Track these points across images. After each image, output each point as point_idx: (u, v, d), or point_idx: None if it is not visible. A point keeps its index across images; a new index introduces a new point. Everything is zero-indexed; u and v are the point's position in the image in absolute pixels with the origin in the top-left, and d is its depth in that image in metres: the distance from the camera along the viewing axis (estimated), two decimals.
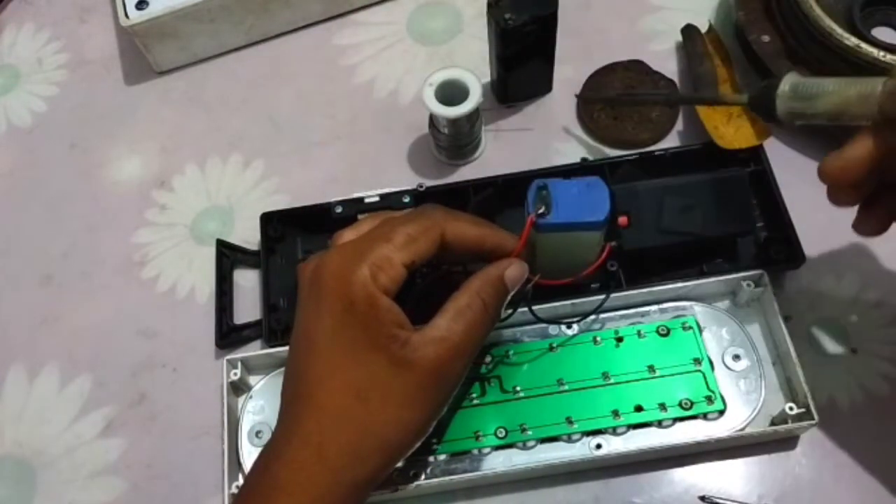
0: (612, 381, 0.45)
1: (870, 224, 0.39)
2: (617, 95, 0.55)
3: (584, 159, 0.52)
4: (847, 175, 0.36)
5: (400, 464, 0.43)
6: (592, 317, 0.47)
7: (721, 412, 0.44)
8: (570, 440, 0.44)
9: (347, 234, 0.40)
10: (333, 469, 0.35)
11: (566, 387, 0.45)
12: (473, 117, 0.53)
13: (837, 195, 0.38)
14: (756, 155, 0.51)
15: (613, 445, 0.44)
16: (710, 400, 0.44)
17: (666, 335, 0.46)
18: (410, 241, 0.37)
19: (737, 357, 0.46)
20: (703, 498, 0.43)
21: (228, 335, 0.50)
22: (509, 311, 0.44)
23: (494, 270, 0.39)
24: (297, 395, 0.37)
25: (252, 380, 0.48)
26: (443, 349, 0.36)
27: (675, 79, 0.57)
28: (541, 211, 0.40)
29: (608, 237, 0.45)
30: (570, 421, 0.44)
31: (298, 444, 0.36)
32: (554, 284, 0.44)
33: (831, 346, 0.48)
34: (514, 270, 0.40)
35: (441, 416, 0.39)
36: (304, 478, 0.35)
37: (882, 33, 0.54)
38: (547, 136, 0.57)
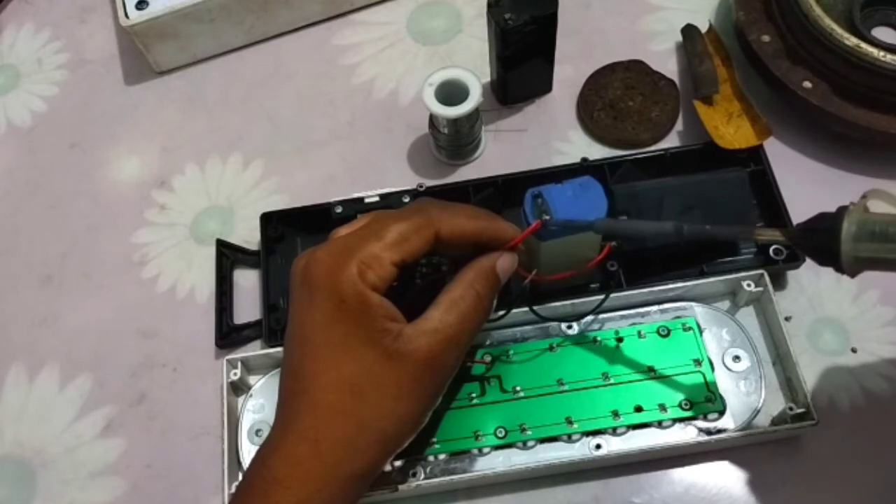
0: (611, 381, 0.45)
1: None
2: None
3: (584, 159, 0.52)
4: None
5: (399, 462, 0.43)
6: (592, 317, 0.47)
7: (721, 413, 0.44)
8: (569, 440, 0.44)
9: (343, 232, 0.39)
10: (330, 463, 0.35)
11: (566, 387, 0.45)
12: (473, 117, 0.53)
13: None
14: (756, 155, 0.51)
15: (613, 445, 0.44)
16: (710, 400, 0.44)
17: (666, 336, 0.46)
18: (402, 241, 0.37)
19: (737, 358, 0.46)
20: None
21: (228, 335, 0.50)
22: (502, 311, 0.44)
23: (487, 262, 0.39)
24: (293, 390, 0.37)
25: (252, 379, 0.48)
26: (435, 341, 0.36)
27: (675, 79, 0.57)
28: (546, 218, 0.40)
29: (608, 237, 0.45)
30: (569, 421, 0.44)
31: (295, 439, 0.36)
32: (553, 280, 0.44)
33: (831, 346, 0.48)
34: (505, 261, 0.40)
35: (436, 406, 0.39)
36: (301, 472, 0.35)
37: (882, 33, 0.54)
38: (547, 136, 0.57)
